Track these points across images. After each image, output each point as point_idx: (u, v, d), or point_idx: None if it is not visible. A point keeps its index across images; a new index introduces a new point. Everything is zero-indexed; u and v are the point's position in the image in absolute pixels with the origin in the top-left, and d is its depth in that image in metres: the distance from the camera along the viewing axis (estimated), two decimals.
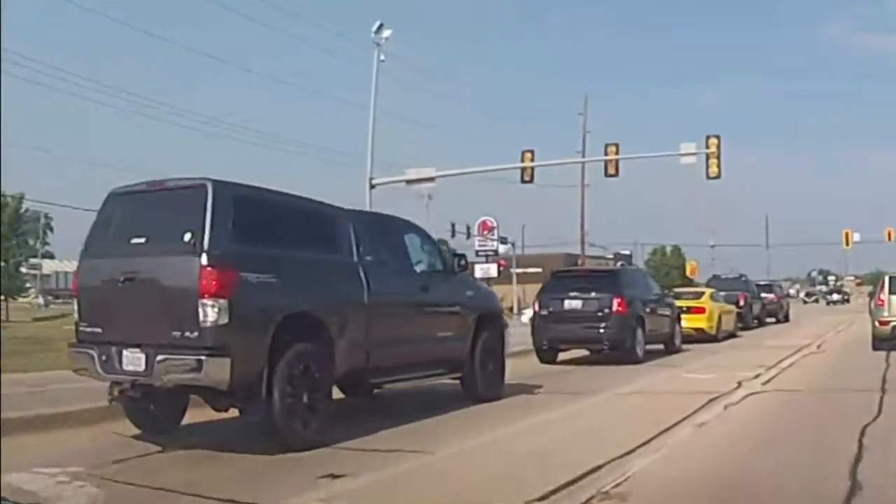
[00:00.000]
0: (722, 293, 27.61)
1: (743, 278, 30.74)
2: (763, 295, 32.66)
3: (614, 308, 15.96)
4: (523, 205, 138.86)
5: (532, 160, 35.90)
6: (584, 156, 64.98)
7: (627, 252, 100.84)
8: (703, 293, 23.32)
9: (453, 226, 68.05)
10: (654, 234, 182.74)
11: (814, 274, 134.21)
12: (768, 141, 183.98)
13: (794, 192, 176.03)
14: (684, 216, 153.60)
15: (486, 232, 76.51)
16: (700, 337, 21.73)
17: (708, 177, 33.01)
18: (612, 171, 34.75)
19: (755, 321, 30.13)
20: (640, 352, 16.29)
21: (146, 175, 8.17)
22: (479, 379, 10.81)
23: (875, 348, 17.30)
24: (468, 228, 69.63)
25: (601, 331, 15.94)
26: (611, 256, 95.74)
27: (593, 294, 16.25)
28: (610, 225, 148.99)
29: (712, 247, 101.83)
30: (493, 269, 76.24)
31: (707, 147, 33.00)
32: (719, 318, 22.29)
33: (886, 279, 17.79)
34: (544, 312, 16.67)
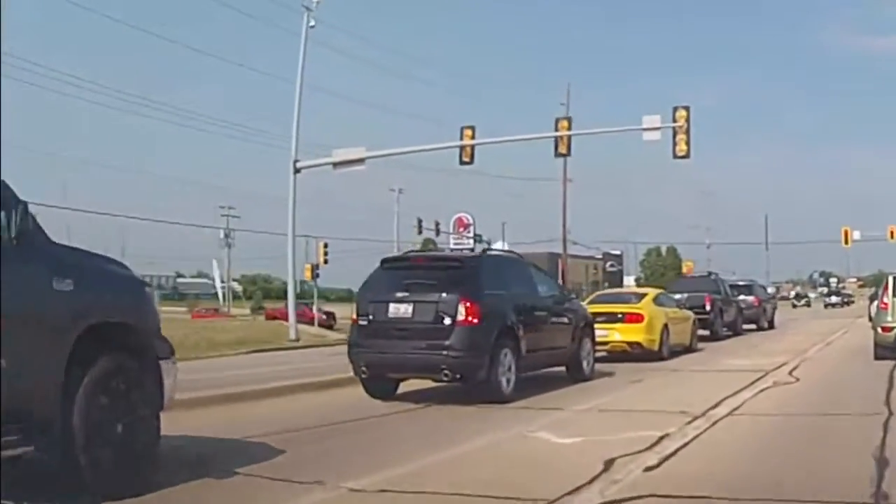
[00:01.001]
0: (681, 296, 21.69)
1: (712, 277, 24.64)
2: (741, 297, 26.62)
3: (460, 316, 9.99)
4: (508, 201, 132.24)
5: (472, 138, 30.20)
6: (568, 149, 59.57)
7: (618, 252, 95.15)
8: (643, 295, 17.28)
9: (420, 221, 62.37)
10: (651, 233, 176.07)
11: (815, 276, 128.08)
12: (768, 139, 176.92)
13: (793, 190, 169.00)
14: (680, 215, 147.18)
15: (461, 229, 70.73)
16: (638, 354, 15.81)
17: (675, 156, 27.19)
18: (562, 149, 28.97)
19: (727, 330, 24.12)
20: (504, 384, 10.31)
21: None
22: (88, 457, 5.08)
23: (877, 357, 14.40)
24: (437, 224, 63.77)
25: (440, 353, 10.00)
26: (599, 256, 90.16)
27: (432, 295, 10.29)
28: (602, 224, 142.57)
29: (708, 247, 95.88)
30: None
31: (674, 121, 27.13)
32: (664, 328, 16.29)
33: (890, 279, 15.05)
34: (363, 322, 10.74)
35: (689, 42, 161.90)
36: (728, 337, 23.44)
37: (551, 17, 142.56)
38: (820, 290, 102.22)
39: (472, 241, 69.43)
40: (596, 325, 15.74)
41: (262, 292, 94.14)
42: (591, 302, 17.77)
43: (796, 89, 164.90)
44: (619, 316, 15.94)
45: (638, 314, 15.88)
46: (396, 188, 71.86)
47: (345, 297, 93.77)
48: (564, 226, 64.97)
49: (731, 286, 27.12)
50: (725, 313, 23.24)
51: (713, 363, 15.30)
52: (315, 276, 42.11)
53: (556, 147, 28.89)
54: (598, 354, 16.41)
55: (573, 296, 12.66)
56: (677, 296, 22.16)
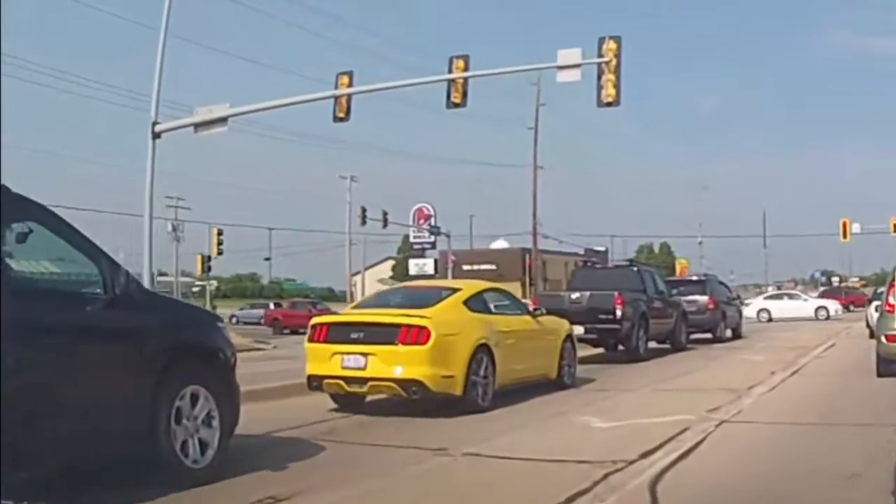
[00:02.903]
0: (578, 295, 14.25)
1: (634, 268, 16.77)
2: (690, 298, 19.04)
3: None
4: (478, 193, 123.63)
5: (349, 85, 22.90)
6: (536, 133, 51.97)
7: (602, 248, 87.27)
8: (451, 293, 9.54)
9: (364, 211, 54.87)
10: (646, 230, 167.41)
11: (816, 274, 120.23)
12: (766, 137, 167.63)
13: (793, 190, 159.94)
14: (676, 212, 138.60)
15: (421, 221, 63.54)
16: (426, 399, 8.37)
17: (600, 102, 19.66)
18: (456, 97, 21.32)
19: (668, 343, 16.67)
20: None
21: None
22: None
23: (881, 374, 10.60)
24: (385, 215, 56.17)
25: None
26: (581, 253, 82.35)
27: None
28: (591, 219, 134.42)
29: (700, 243, 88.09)
30: (429, 266, 63.37)
31: (600, 55, 19.63)
32: (480, 352, 8.69)
33: None
34: None
35: (689, 42, 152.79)
36: (662, 354, 15.92)
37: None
38: (822, 289, 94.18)
39: (428, 233, 62.41)
40: (346, 349, 8.46)
41: (247, 292, 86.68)
42: (357, 305, 10.16)
43: (795, 89, 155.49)
44: (388, 331, 8.43)
45: (419, 328, 8.27)
46: (348, 175, 64.51)
47: (328, 296, 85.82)
48: (535, 217, 57.88)
49: (674, 282, 19.67)
50: (655, 320, 15.60)
51: (544, 430, 7.67)
52: (206, 268, 34.57)
53: (449, 95, 21.32)
54: (376, 397, 9.09)
55: (133, 284, 5.00)
56: (575, 294, 14.72)
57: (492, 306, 9.74)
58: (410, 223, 63.78)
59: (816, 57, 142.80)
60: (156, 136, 23.46)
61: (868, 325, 19.09)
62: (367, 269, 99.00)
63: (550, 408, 8.91)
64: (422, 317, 8.44)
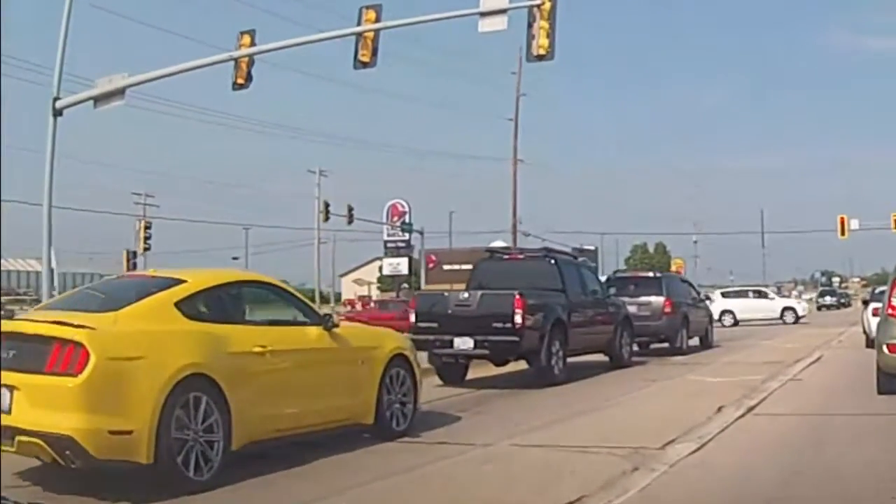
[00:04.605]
0: (467, 295, 10.55)
1: (550, 260, 12.49)
2: (640, 300, 15.25)
3: None
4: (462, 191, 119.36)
5: (251, 44, 19.41)
6: (516, 125, 48.22)
7: (592, 247, 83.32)
8: (158, 288, 5.27)
9: (327, 206, 51.12)
10: (641, 228, 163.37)
11: (817, 275, 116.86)
12: (764, 136, 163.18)
13: (792, 191, 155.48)
14: (673, 213, 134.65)
15: (395, 218, 59.67)
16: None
17: (531, 56, 16.03)
18: (364, 55, 17.64)
19: (615, 358, 12.91)
20: None
21: None
22: None
23: (882, 391, 8.69)
24: (350, 210, 52.24)
25: None
26: (568, 250, 78.41)
27: None
28: (586, 219, 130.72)
29: (695, 242, 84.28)
30: (403, 265, 59.58)
31: None
32: (189, 389, 4.84)
33: None
34: None
35: (689, 43, 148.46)
36: (590, 373, 12.11)
37: None
38: (822, 289, 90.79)
39: (401, 231, 58.79)
40: None
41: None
42: (46, 305, 6.24)
43: (796, 88, 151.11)
44: (38, 349, 4.68)
45: (73, 346, 4.53)
46: (317, 169, 60.62)
47: (312, 298, 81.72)
48: (515, 214, 53.84)
49: (620, 280, 15.92)
50: (579, 329, 11.71)
51: None
52: (132, 265, 30.84)
53: (357, 52, 17.59)
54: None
55: None
56: (463, 295, 10.96)
57: (240, 311, 5.95)
58: (384, 220, 59.89)
59: (817, 55, 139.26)
60: (57, 113, 20.02)
61: (865, 332, 15.39)
62: (353, 270, 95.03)
63: (303, 489, 5.12)
64: (80, 326, 4.66)
